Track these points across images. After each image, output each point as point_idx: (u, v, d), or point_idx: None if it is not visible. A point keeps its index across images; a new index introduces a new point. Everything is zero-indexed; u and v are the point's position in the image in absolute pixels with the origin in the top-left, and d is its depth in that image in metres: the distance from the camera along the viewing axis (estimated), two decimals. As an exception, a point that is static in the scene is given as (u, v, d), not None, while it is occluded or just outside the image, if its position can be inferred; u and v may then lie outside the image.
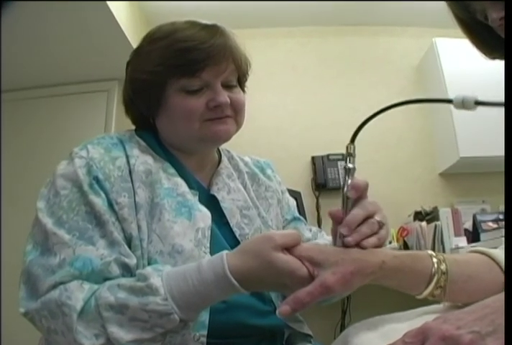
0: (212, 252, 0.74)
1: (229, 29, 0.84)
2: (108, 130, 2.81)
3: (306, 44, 3.09)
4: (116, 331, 0.59)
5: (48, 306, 0.62)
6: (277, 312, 0.56)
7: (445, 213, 2.29)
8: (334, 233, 0.64)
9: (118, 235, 0.70)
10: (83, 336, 0.59)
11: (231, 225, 0.84)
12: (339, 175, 2.69)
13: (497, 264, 0.65)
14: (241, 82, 0.88)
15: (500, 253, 0.66)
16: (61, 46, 2.49)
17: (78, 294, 0.62)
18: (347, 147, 0.62)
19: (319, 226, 2.59)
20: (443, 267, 0.62)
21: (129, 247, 0.71)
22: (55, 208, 0.70)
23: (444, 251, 2.19)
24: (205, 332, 0.69)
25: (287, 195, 1.03)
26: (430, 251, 0.65)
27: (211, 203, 0.84)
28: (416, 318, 0.62)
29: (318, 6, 2.84)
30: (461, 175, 2.79)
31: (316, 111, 2.93)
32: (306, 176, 2.80)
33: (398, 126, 2.86)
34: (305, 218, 1.06)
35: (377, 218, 0.62)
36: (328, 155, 2.73)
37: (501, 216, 2.14)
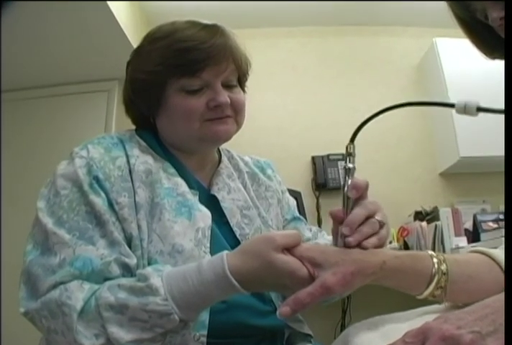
0: (212, 252, 0.74)
1: (229, 29, 0.84)
2: (108, 130, 2.81)
3: (306, 44, 3.09)
4: (116, 331, 0.59)
5: (48, 306, 0.62)
6: (277, 313, 0.56)
7: (445, 213, 2.29)
8: (335, 233, 0.64)
9: (118, 235, 0.70)
10: (83, 336, 0.59)
11: (232, 225, 0.84)
12: (339, 174, 2.69)
13: (498, 264, 0.65)
14: (241, 82, 0.88)
15: (500, 253, 0.66)
16: (61, 46, 2.49)
17: (78, 294, 0.62)
18: (347, 147, 0.62)
19: (319, 225, 2.59)
20: (443, 267, 0.62)
21: (129, 247, 0.71)
22: (55, 208, 0.70)
23: (444, 251, 2.19)
24: (205, 332, 0.69)
25: (287, 194, 1.03)
26: (430, 252, 0.65)
27: (211, 202, 0.84)
28: (416, 317, 0.62)
29: (318, 6, 2.84)
30: (461, 174, 2.79)
31: (316, 111, 2.93)
32: (306, 176, 2.80)
33: (398, 126, 2.85)
34: (305, 218, 1.06)
35: (377, 217, 0.62)
36: (328, 155, 2.73)
37: (501, 216, 2.14)
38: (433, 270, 0.61)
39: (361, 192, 0.62)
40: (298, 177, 2.76)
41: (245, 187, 0.93)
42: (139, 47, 0.86)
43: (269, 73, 2.90)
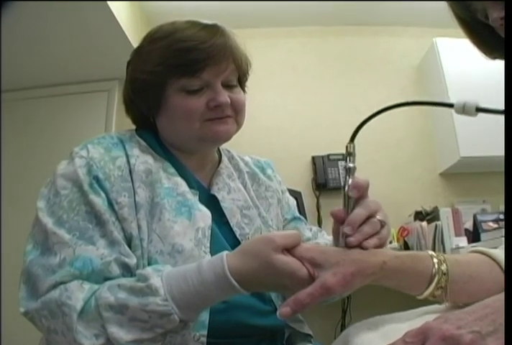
0: (212, 252, 0.74)
1: (229, 28, 0.84)
2: (108, 130, 2.81)
3: (307, 44, 3.09)
4: (116, 331, 0.59)
5: (48, 306, 0.62)
6: (277, 313, 0.56)
7: (445, 213, 2.29)
8: (335, 233, 0.64)
9: (118, 235, 0.70)
10: (83, 336, 0.59)
11: (232, 225, 0.84)
12: (339, 174, 2.69)
13: (498, 264, 0.64)
14: (241, 82, 0.88)
15: (500, 253, 0.66)
16: (61, 46, 2.49)
17: (78, 294, 0.62)
18: (347, 147, 0.62)
19: (319, 225, 2.59)
20: (443, 267, 0.62)
21: (129, 247, 0.71)
22: (55, 208, 0.70)
23: (444, 251, 2.19)
24: (205, 332, 0.69)
25: (287, 194, 1.03)
26: (430, 252, 0.65)
27: (211, 202, 0.84)
28: (416, 317, 0.62)
29: (318, 6, 2.84)
30: (461, 174, 2.79)
31: (316, 111, 2.93)
32: (307, 176, 2.80)
33: (399, 126, 2.86)
34: (305, 218, 1.06)
35: (378, 217, 0.62)
36: (328, 155, 2.73)
37: (501, 216, 2.14)
38: (434, 270, 0.61)
39: (362, 192, 0.62)
40: (298, 177, 2.76)
41: (245, 187, 0.93)
42: (139, 47, 0.86)
43: (269, 73, 2.90)
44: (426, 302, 0.64)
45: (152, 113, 0.85)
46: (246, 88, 0.91)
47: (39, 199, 0.74)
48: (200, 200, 0.80)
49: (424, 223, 2.34)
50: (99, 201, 0.71)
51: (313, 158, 2.78)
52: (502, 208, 2.44)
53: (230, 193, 0.88)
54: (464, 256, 0.71)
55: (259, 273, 0.59)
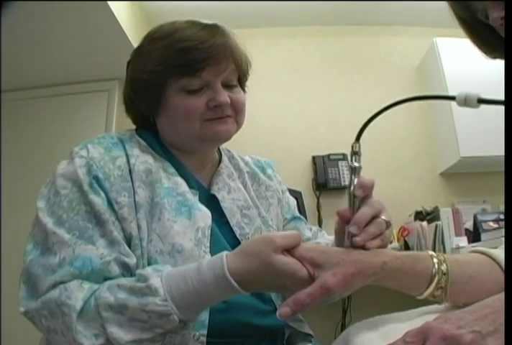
0: (212, 252, 0.74)
1: (229, 28, 0.84)
2: (109, 130, 2.81)
3: (307, 43, 3.09)
4: (116, 331, 0.59)
5: (48, 306, 0.62)
6: (277, 313, 0.56)
7: (446, 213, 2.29)
8: (338, 233, 0.64)
9: (118, 234, 0.70)
10: (83, 336, 0.59)
11: (232, 224, 0.84)
12: (339, 174, 2.69)
13: (498, 264, 0.64)
14: (241, 82, 0.88)
15: (500, 253, 0.66)
16: (62, 46, 2.49)
17: (78, 294, 0.62)
18: (353, 146, 0.61)
19: (320, 225, 2.59)
20: (443, 267, 0.62)
21: (129, 246, 0.71)
22: (55, 208, 0.70)
23: (444, 251, 2.19)
24: (205, 331, 0.69)
25: (287, 194, 1.03)
26: (431, 252, 0.64)
27: (211, 202, 0.83)
28: (416, 317, 0.62)
29: (319, 5, 2.84)
30: (461, 174, 2.79)
31: (316, 111, 2.93)
32: (307, 176, 2.80)
33: (399, 127, 2.85)
34: (306, 218, 1.06)
35: (383, 217, 0.62)
36: (328, 155, 2.73)
37: (502, 216, 2.14)
38: (434, 270, 0.61)
39: (367, 191, 0.62)
40: (298, 176, 2.76)
41: (245, 186, 0.93)
42: (139, 47, 0.86)
43: (269, 73, 2.91)
44: (426, 302, 0.64)
45: (152, 113, 0.85)
46: (246, 88, 0.91)
47: (39, 199, 0.74)
48: (200, 200, 0.80)
49: (424, 223, 2.34)
50: (99, 201, 0.71)
51: (314, 158, 2.78)
52: (502, 208, 2.44)
53: (230, 193, 0.88)
54: (465, 256, 0.71)
55: (259, 273, 0.59)
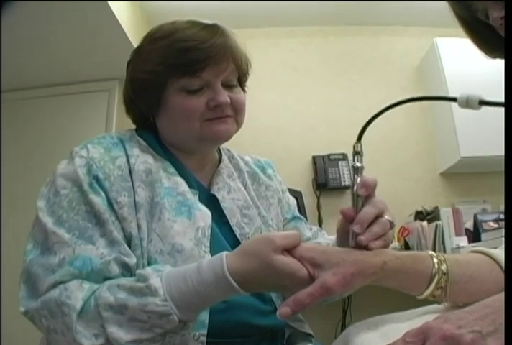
0: (212, 252, 0.74)
1: (229, 28, 0.84)
2: (109, 130, 2.81)
3: (307, 43, 3.09)
4: (116, 331, 0.59)
5: (48, 305, 0.62)
6: (277, 313, 0.56)
7: (446, 213, 2.29)
8: (341, 232, 0.64)
9: (118, 234, 0.70)
10: (83, 336, 0.59)
11: (232, 224, 0.84)
12: (339, 174, 2.69)
13: (498, 264, 0.64)
14: (241, 81, 0.88)
15: (500, 253, 0.66)
16: (62, 46, 2.49)
17: (78, 293, 0.62)
18: (354, 146, 0.62)
19: (320, 225, 2.59)
20: (443, 267, 0.62)
21: (129, 246, 0.71)
22: (55, 208, 0.70)
23: (444, 250, 2.19)
24: (205, 331, 0.69)
25: (287, 194, 1.03)
26: (431, 252, 0.64)
27: (211, 202, 0.83)
28: (416, 317, 0.62)
29: (319, 5, 2.84)
30: (462, 174, 2.79)
31: (316, 111, 2.93)
32: (307, 176, 2.80)
33: (399, 127, 2.85)
34: (306, 218, 1.06)
35: (387, 217, 0.62)
36: (329, 155, 2.73)
37: (502, 216, 2.14)
38: (434, 270, 0.61)
39: (370, 191, 0.62)
40: (298, 176, 2.76)
41: (245, 186, 0.93)
42: (139, 47, 0.86)
43: (269, 73, 2.91)
44: (426, 302, 0.64)
45: (152, 113, 0.85)
46: (246, 88, 0.91)
47: (39, 199, 0.74)
48: (200, 200, 0.80)
49: (425, 223, 2.34)
50: (99, 201, 0.71)
51: (314, 158, 2.78)
52: (502, 207, 2.44)
53: (230, 193, 0.88)
54: (465, 256, 0.71)
55: (259, 273, 0.59)
